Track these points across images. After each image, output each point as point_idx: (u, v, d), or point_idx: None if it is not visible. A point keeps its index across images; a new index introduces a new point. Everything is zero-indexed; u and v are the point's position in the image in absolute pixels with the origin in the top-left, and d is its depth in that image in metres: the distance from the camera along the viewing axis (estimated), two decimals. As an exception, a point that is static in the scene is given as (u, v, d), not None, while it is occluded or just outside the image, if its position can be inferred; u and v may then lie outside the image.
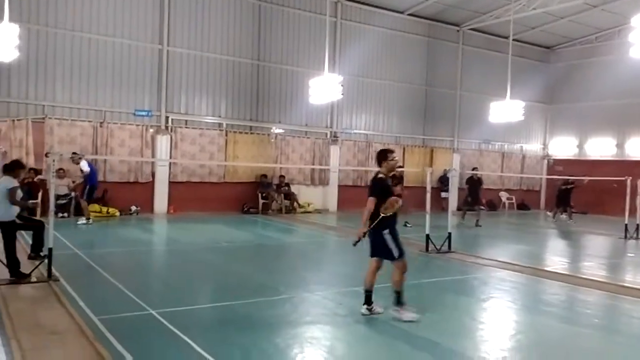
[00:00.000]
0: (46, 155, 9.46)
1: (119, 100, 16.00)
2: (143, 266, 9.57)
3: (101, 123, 15.63)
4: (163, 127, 16.65)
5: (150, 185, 16.34)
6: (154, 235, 13.00)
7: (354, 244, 6.36)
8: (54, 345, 5.07)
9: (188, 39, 17.00)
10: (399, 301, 6.32)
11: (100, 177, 15.55)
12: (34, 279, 7.33)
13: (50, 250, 7.50)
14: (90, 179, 13.53)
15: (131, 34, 16.08)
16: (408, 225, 15.48)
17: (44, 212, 11.78)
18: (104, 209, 15.16)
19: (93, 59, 15.57)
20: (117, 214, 15.24)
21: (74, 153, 13.36)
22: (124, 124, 16.02)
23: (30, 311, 6.17)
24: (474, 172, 17.21)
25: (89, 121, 15.51)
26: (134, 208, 15.85)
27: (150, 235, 13.04)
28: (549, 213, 21.17)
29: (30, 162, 14.46)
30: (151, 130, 16.42)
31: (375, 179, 6.56)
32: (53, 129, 14.92)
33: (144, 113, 16.29)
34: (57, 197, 13.93)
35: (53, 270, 7.48)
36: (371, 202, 6.35)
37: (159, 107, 16.60)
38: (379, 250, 6.45)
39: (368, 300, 6.43)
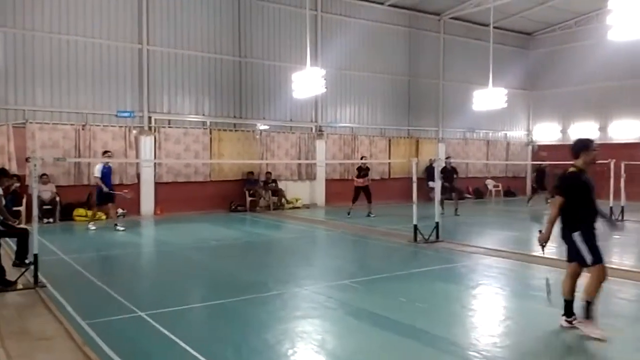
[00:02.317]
0: (27, 160, 9.30)
1: (101, 102, 15.83)
2: (131, 269, 9.51)
3: (83, 126, 15.46)
4: (146, 128, 16.51)
5: (135, 187, 16.20)
6: (142, 237, 12.91)
7: (542, 250, 5.81)
8: (42, 351, 5.02)
9: (167, 38, 16.85)
10: (587, 314, 5.49)
11: (84, 181, 15.47)
12: (20, 286, 7.25)
13: (35, 256, 7.41)
14: (107, 183, 13.18)
15: (110, 35, 15.90)
16: (371, 215, 16.05)
17: (29, 219, 11.65)
18: (90, 213, 14.98)
19: (72, 61, 15.39)
20: (104, 217, 15.09)
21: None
22: (106, 125, 15.86)
23: (17, 318, 6.11)
24: (448, 160, 17.22)
25: (71, 124, 15.34)
26: (120, 211, 15.67)
27: (137, 238, 12.94)
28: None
29: (13, 168, 14.27)
30: (134, 131, 16.28)
31: (566, 174, 5.66)
32: (35, 133, 14.73)
33: (126, 114, 16.14)
34: (42, 202, 13.84)
35: (39, 276, 7.40)
36: (558, 202, 5.54)
37: (141, 108, 16.45)
38: (574, 254, 5.64)
39: (568, 311, 5.67)
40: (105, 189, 13.05)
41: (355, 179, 16.63)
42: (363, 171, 16.49)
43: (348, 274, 8.55)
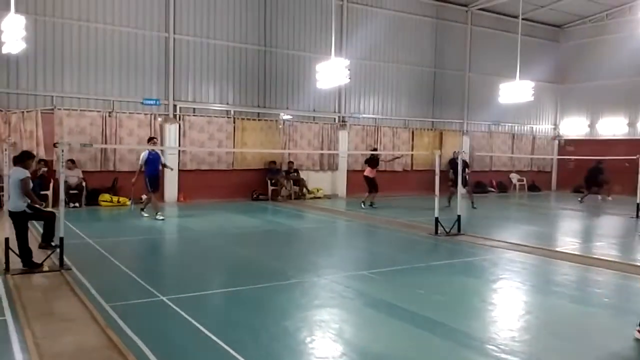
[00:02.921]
0: (54, 145, 9.50)
1: (127, 90, 16.04)
2: (154, 254, 9.67)
3: (110, 113, 15.69)
4: (171, 116, 16.68)
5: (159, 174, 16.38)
6: (165, 223, 13.07)
7: None
8: (66, 332, 5.14)
9: (194, 26, 16.95)
10: None
11: (110, 167, 15.73)
12: (46, 268, 7.43)
13: (61, 239, 7.58)
14: (146, 170, 12.77)
15: (137, 23, 16.07)
16: (372, 205, 15.99)
17: (55, 203, 11.90)
18: (115, 199, 15.28)
19: (100, 49, 15.59)
20: (128, 202, 15.34)
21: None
22: (132, 113, 16.07)
23: (43, 300, 6.27)
24: (455, 154, 16.74)
25: (98, 111, 15.58)
26: (144, 197, 15.90)
27: (161, 224, 13.11)
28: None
29: (41, 153, 14.59)
30: (159, 118, 16.46)
31: None
32: (62, 119, 15.01)
33: (151, 102, 16.33)
34: (68, 187, 14.12)
35: (65, 259, 7.58)
36: None
37: (166, 96, 16.62)
38: None
39: None
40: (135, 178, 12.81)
41: (371, 168, 16.36)
42: (373, 162, 16.43)
43: (367, 264, 8.56)
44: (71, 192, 14.38)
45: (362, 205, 15.98)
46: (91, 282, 6.80)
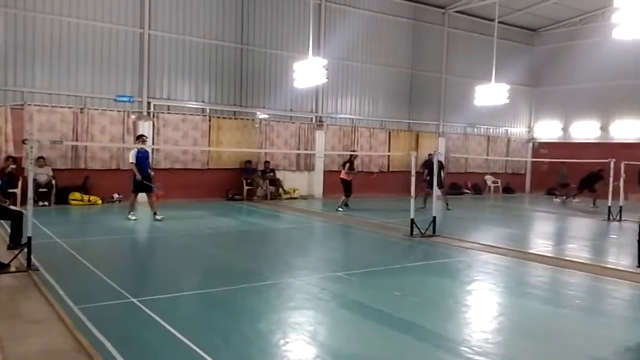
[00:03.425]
0: (23, 142, 9.22)
1: (100, 86, 15.72)
2: (125, 254, 9.48)
3: (82, 109, 15.36)
4: (145, 113, 16.41)
5: (132, 173, 16.05)
6: (136, 222, 12.85)
7: None
8: (33, 334, 4.98)
9: (170, 23, 16.71)
10: None
11: (81, 165, 15.40)
12: (13, 268, 7.20)
13: (29, 239, 7.37)
14: (141, 169, 12.40)
15: (111, 18, 15.76)
16: (347, 206, 15.92)
17: (24, 201, 11.58)
18: (86, 197, 14.96)
19: (73, 44, 15.26)
20: (99, 202, 15.06)
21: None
22: (104, 109, 15.76)
23: (9, 301, 6.07)
24: (430, 156, 16.74)
25: (69, 107, 15.24)
26: (116, 196, 15.66)
27: (132, 223, 12.88)
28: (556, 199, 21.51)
29: (10, 150, 14.23)
30: (133, 116, 16.18)
31: None
32: (32, 115, 14.63)
33: (125, 99, 16.04)
34: (38, 185, 13.79)
35: (32, 259, 7.36)
36: None
37: (140, 93, 16.34)
38: None
39: None
40: (138, 176, 12.32)
41: (348, 171, 16.08)
42: (352, 164, 16.25)
43: (343, 266, 8.52)
44: (40, 190, 14.05)
45: (337, 210, 15.61)
46: (59, 283, 6.61)
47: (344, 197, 16.02)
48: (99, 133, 15.59)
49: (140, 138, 13.02)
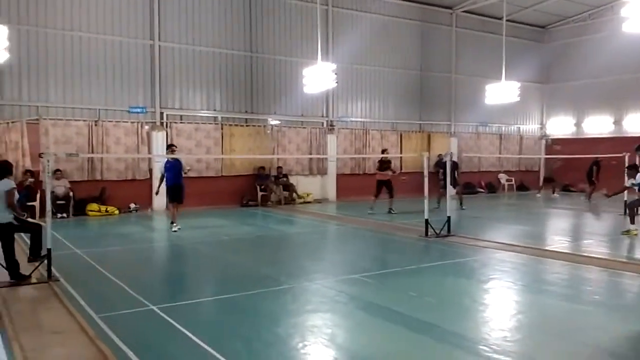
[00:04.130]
0: (39, 156, 9.39)
1: (113, 98, 15.94)
2: (143, 263, 9.58)
3: (96, 122, 15.59)
4: (158, 123, 16.60)
5: (148, 183, 16.27)
6: (154, 231, 12.99)
7: None
8: (55, 345, 5.08)
9: (179, 33, 16.91)
10: None
11: (97, 176, 15.60)
12: (34, 280, 7.34)
13: (49, 250, 7.50)
14: (166, 179, 12.30)
15: (122, 31, 15.99)
16: (393, 211, 15.55)
17: (42, 214, 11.77)
18: (103, 208, 15.15)
19: (85, 58, 15.50)
20: (117, 212, 15.24)
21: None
22: (118, 121, 15.97)
23: (31, 312, 6.18)
24: (441, 156, 16.66)
25: (84, 120, 15.47)
26: (133, 206, 15.84)
27: (149, 232, 13.04)
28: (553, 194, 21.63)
29: (27, 164, 14.47)
30: (146, 126, 16.38)
31: None
32: (48, 129, 14.88)
33: (138, 110, 16.24)
34: (55, 197, 13.99)
35: (53, 270, 7.49)
36: None
37: (153, 103, 16.54)
38: None
39: None
40: (155, 189, 12.32)
41: (377, 171, 15.99)
42: (385, 164, 15.88)
43: (359, 268, 8.55)
44: (58, 202, 14.26)
45: (391, 212, 15.41)
46: (80, 293, 6.72)
47: (389, 199, 15.71)
48: (113, 144, 15.80)
49: (169, 148, 12.96)
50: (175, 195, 12.38)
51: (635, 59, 21.77)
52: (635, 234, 11.39)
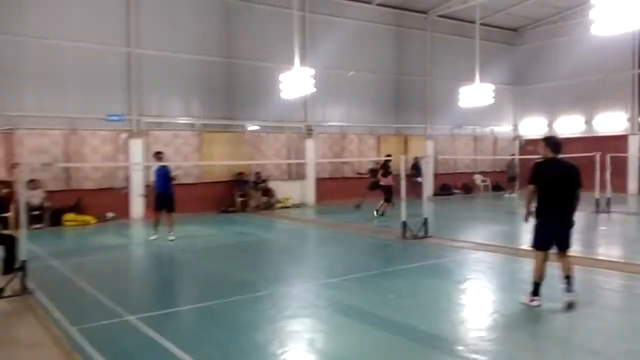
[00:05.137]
0: (12, 167, 9.24)
1: (90, 106, 15.75)
2: (120, 272, 9.50)
3: (72, 130, 15.41)
4: (135, 131, 16.47)
5: (125, 191, 16.12)
6: (131, 240, 12.85)
7: None
8: (30, 359, 5.02)
9: (156, 40, 16.80)
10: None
11: (73, 185, 15.41)
12: (8, 293, 7.22)
13: (24, 262, 7.39)
14: (156, 187, 12.11)
15: (98, 38, 15.83)
16: (383, 214, 15.54)
17: (17, 225, 11.58)
18: (79, 218, 14.97)
19: (60, 66, 15.31)
20: (93, 221, 15.07)
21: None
22: (95, 129, 15.81)
23: (5, 326, 6.11)
24: (417, 159, 16.67)
25: (60, 129, 15.27)
26: (110, 214, 15.67)
27: (127, 241, 12.91)
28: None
29: (2, 175, 14.21)
30: (124, 134, 16.24)
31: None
32: (23, 139, 14.66)
33: (115, 118, 16.09)
34: (31, 208, 13.76)
35: (28, 282, 7.38)
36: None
37: (130, 111, 16.40)
38: None
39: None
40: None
41: (382, 177, 15.78)
42: (389, 169, 15.83)
43: (338, 272, 8.60)
44: (34, 213, 14.02)
45: (375, 214, 15.45)
46: (56, 305, 6.65)
47: (382, 202, 15.60)
48: (90, 153, 15.63)
49: (157, 155, 12.51)
50: (166, 203, 12.12)
51: (604, 61, 22.32)
52: None
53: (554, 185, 6.22)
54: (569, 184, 6.23)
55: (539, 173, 6.35)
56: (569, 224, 6.35)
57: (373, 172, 16.99)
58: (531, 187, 6.41)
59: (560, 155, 6.36)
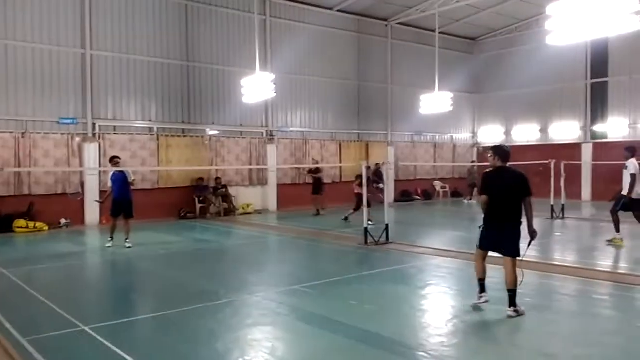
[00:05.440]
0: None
1: (42, 109, 15.26)
2: (75, 281, 9.18)
3: (23, 133, 14.87)
4: (90, 135, 16.02)
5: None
6: (86, 247, 12.46)
7: None
8: (-23, 372, 4.78)
9: (112, 42, 16.42)
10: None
11: (25, 191, 14.86)
12: (-47, 303, 6.88)
13: (-30, 271, 7.07)
14: (113, 192, 11.80)
15: (51, 39, 15.36)
16: (347, 220, 15.58)
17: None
18: (31, 224, 14.43)
19: (11, 67, 14.78)
20: (46, 228, 14.55)
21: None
22: (47, 133, 15.30)
23: (-49, 339, 5.79)
24: (378, 166, 16.47)
25: (10, 132, 14.72)
26: (63, 221, 15.18)
27: (81, 248, 12.51)
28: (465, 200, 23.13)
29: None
30: (77, 138, 15.76)
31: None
32: (-30, 142, 14.06)
33: (69, 121, 15.62)
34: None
35: (-25, 292, 7.06)
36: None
37: (84, 114, 15.95)
38: None
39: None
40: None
41: (357, 186, 14.96)
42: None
43: (299, 279, 8.53)
44: (-18, 219, 13.45)
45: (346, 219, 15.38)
46: (5, 315, 6.35)
47: (352, 211, 15.35)
48: (42, 157, 15.12)
49: (112, 160, 12.13)
50: (123, 209, 11.78)
51: (559, 71, 23.07)
52: (620, 243, 10.90)
53: (502, 194, 6.32)
54: (518, 192, 6.30)
55: (488, 182, 6.46)
56: (513, 230, 6.40)
57: (313, 172, 16.86)
58: (484, 197, 6.47)
59: (509, 164, 6.49)
